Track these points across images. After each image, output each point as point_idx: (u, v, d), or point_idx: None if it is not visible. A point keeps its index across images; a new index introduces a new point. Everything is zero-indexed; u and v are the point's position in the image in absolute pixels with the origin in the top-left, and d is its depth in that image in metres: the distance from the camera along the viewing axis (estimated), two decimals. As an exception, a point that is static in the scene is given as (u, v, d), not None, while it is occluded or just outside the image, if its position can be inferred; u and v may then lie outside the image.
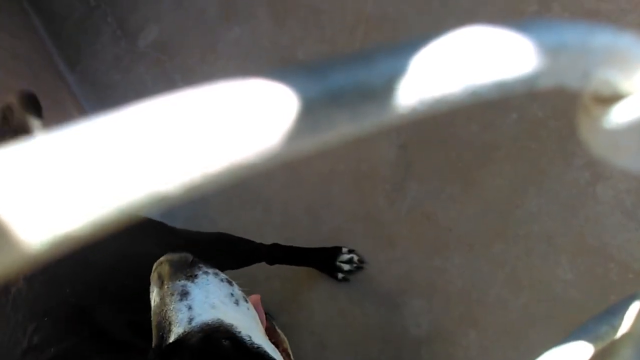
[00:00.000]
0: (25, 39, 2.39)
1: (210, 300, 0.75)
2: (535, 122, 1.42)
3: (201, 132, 0.13)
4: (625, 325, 0.35)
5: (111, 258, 1.06)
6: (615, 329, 0.34)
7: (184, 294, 0.75)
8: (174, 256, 0.81)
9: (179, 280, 0.77)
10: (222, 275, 0.83)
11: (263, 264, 1.48)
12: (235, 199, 1.84)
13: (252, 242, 1.44)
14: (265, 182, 1.78)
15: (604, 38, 0.17)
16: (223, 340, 0.69)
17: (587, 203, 1.32)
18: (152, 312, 0.77)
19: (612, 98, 0.18)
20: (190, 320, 0.72)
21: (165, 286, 0.77)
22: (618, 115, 0.18)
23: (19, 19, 2.43)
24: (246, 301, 0.82)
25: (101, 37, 2.38)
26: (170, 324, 0.73)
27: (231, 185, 1.83)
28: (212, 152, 0.13)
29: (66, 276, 1.02)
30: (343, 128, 0.14)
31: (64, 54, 2.47)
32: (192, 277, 0.78)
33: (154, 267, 0.82)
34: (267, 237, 1.64)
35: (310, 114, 0.14)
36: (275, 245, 1.52)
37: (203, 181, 0.13)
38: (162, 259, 0.82)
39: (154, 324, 0.75)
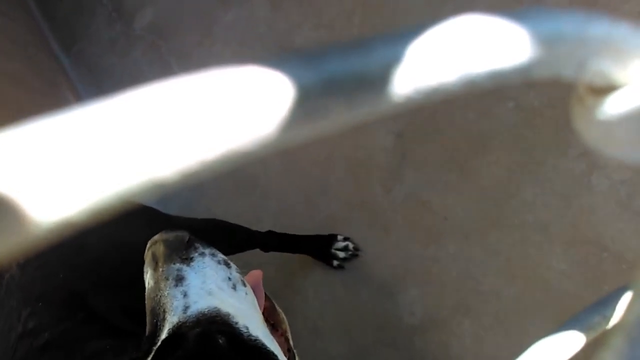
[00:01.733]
0: (20, 21, 2.37)
1: (207, 287, 0.72)
2: (532, 111, 1.42)
3: (197, 118, 0.13)
4: (617, 315, 0.35)
5: (105, 243, 1.04)
6: (607, 319, 0.34)
7: (180, 279, 0.72)
8: (170, 235, 0.77)
9: (174, 264, 0.74)
10: (220, 255, 0.80)
11: (257, 250, 1.49)
12: (231, 186, 1.84)
13: (248, 229, 1.43)
14: (262, 169, 1.78)
15: (600, 28, 0.17)
16: (219, 336, 0.65)
17: (582, 193, 1.33)
18: (146, 296, 0.75)
19: (606, 89, 0.18)
20: (186, 308, 0.69)
21: (160, 269, 0.74)
22: (612, 106, 0.18)
23: (14, 1, 2.40)
24: (244, 284, 0.79)
25: (96, 19, 2.36)
26: (164, 311, 0.70)
27: (227, 172, 1.84)
28: (207, 139, 0.13)
29: (60, 261, 1.01)
30: (339, 116, 0.14)
31: (59, 37, 2.45)
32: (187, 260, 0.75)
33: (147, 245, 0.78)
34: (263, 225, 1.65)
35: (306, 101, 0.14)
36: (270, 233, 1.51)
37: (199, 168, 0.13)
38: (156, 237, 0.78)
39: (148, 308, 0.73)
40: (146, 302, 0.74)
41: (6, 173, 0.11)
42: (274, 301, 0.90)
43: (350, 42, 0.14)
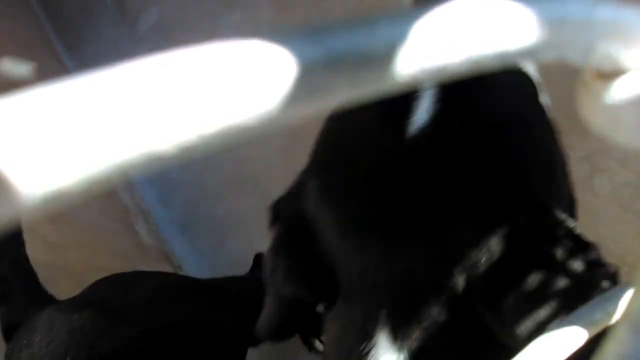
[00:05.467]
0: (24, 22, 2.37)
1: None
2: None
3: (196, 91, 0.12)
4: (620, 311, 0.35)
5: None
6: (610, 315, 0.34)
7: None
8: None
9: None
10: None
11: (260, 247, 1.48)
12: (233, 185, 1.84)
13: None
14: (264, 168, 1.78)
15: (607, 11, 0.17)
16: None
17: (585, 195, 1.32)
18: None
19: (613, 73, 0.17)
20: None
21: None
22: (619, 91, 0.17)
23: (17, 2, 2.41)
24: None
25: (101, 21, 2.36)
26: None
27: (228, 169, 1.81)
28: (207, 113, 0.12)
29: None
30: (341, 94, 0.14)
31: (63, 38, 2.45)
32: None
33: None
34: (264, 226, 1.64)
35: (309, 78, 0.13)
36: None
37: (198, 142, 0.13)
38: None
39: None
40: None
41: (6, 139, 0.11)
42: None
43: (356, 19, 0.14)
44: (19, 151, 0.11)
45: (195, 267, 1.80)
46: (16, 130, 0.11)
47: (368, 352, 0.55)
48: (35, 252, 1.27)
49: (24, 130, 0.11)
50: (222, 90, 0.13)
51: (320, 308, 0.64)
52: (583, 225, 1.29)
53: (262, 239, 1.73)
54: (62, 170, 0.11)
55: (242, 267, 1.71)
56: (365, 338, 0.55)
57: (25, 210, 0.11)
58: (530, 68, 0.64)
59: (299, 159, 1.72)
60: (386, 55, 0.14)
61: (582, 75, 0.18)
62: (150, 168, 0.12)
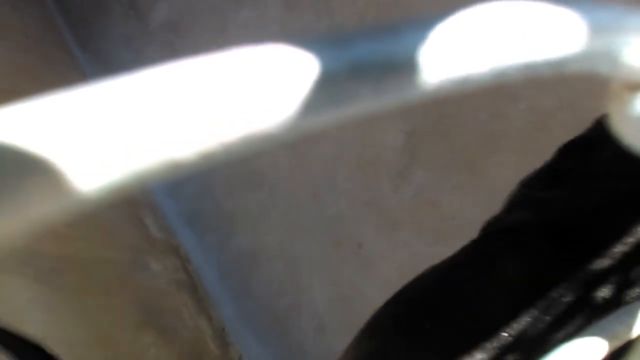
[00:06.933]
0: (35, 16, 2.38)
1: None
2: (544, 113, 1.41)
3: (218, 98, 0.12)
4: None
5: None
6: (631, 328, 0.34)
7: None
8: None
9: None
10: None
11: (266, 241, 1.48)
12: (240, 179, 1.84)
13: None
14: (270, 165, 1.78)
15: (639, 22, 0.16)
16: None
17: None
18: None
19: (643, 84, 0.17)
20: None
21: None
22: (649, 102, 0.17)
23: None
24: None
25: (112, 15, 2.37)
26: None
27: (235, 166, 1.82)
28: (228, 120, 0.12)
29: None
30: (364, 102, 0.14)
31: (74, 32, 2.45)
32: None
33: None
34: (270, 221, 1.64)
35: (332, 85, 0.13)
36: None
37: (218, 150, 0.12)
38: None
39: None
40: None
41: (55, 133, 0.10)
42: None
43: (380, 26, 0.14)
44: (75, 146, 0.11)
45: (203, 260, 1.81)
46: (72, 126, 0.11)
47: None
48: (43, 243, 1.27)
49: (77, 126, 0.11)
50: (244, 97, 0.12)
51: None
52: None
53: (267, 233, 1.74)
54: (80, 177, 0.11)
55: (249, 261, 1.71)
56: None
57: (80, 203, 0.11)
58: None
59: (304, 156, 1.73)
60: (411, 63, 0.14)
61: (611, 86, 0.18)
62: (170, 176, 0.12)
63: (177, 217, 1.87)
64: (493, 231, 0.71)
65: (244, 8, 2.00)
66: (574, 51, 0.15)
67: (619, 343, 0.31)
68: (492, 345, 0.52)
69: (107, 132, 0.11)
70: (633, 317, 0.31)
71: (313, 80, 0.13)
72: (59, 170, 0.11)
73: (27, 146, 0.10)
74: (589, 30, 0.15)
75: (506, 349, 0.51)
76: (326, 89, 0.13)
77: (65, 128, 0.11)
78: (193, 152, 0.12)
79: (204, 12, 2.10)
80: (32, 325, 1.10)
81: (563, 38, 0.15)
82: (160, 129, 0.11)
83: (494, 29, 0.15)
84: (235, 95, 0.12)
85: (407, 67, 0.14)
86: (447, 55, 0.14)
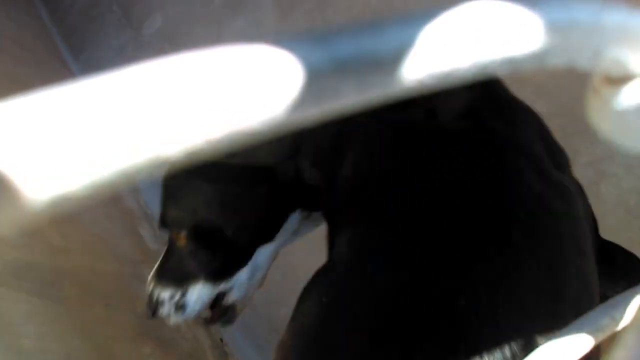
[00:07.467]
0: (30, 27, 2.39)
1: None
2: (540, 119, 1.41)
3: (203, 95, 0.12)
4: (627, 317, 0.35)
5: None
6: (617, 322, 0.34)
7: None
8: None
9: None
10: None
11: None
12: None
13: None
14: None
15: (616, 16, 0.16)
16: None
17: (591, 201, 1.31)
18: None
19: (622, 79, 0.17)
20: None
21: None
22: (628, 96, 0.17)
23: (24, 7, 2.42)
24: None
25: (106, 25, 2.38)
26: None
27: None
28: (214, 117, 0.12)
29: None
30: (349, 98, 0.14)
31: (68, 43, 2.46)
32: None
33: None
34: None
35: (316, 82, 0.13)
36: None
37: (205, 147, 0.12)
38: None
39: None
40: None
41: (11, 143, 0.11)
42: None
43: (363, 23, 0.14)
44: (25, 155, 0.11)
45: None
46: (22, 134, 0.11)
47: None
48: (40, 255, 1.27)
49: (30, 134, 0.11)
50: (229, 94, 0.13)
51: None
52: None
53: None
54: (69, 174, 0.11)
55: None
56: None
57: (31, 214, 0.11)
58: None
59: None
60: (393, 60, 0.14)
61: (590, 81, 0.18)
62: (157, 173, 0.12)
63: (175, 227, 1.86)
64: None
65: (239, 17, 2.01)
66: (551, 46, 0.16)
67: (604, 336, 0.31)
68: None
69: (94, 130, 0.11)
70: (618, 311, 0.31)
71: (297, 77, 0.13)
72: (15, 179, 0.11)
73: None
74: (567, 25, 0.16)
75: None
76: (310, 86, 0.13)
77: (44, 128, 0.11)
78: (179, 149, 0.12)
79: (199, 21, 2.11)
80: (29, 338, 1.10)
81: (541, 33, 0.16)
82: (146, 126, 0.12)
83: (475, 25, 0.15)
84: (219, 93, 0.12)
85: (389, 63, 0.14)
86: (429, 51, 0.15)
